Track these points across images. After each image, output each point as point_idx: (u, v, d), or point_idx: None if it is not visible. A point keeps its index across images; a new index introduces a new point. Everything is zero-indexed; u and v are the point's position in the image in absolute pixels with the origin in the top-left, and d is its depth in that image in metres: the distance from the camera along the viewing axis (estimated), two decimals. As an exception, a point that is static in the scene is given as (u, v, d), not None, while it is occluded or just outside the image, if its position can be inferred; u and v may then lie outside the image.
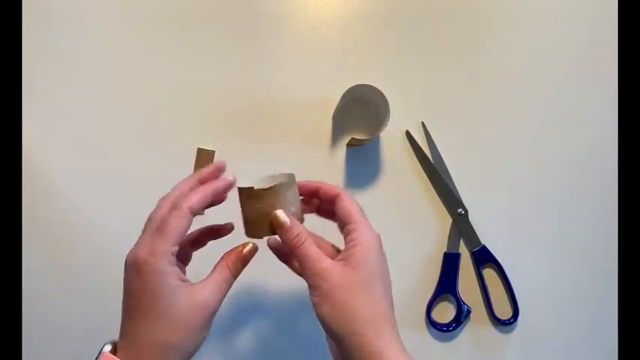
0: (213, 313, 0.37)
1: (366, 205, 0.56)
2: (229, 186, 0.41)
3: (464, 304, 0.54)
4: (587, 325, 0.56)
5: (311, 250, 0.37)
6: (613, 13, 0.58)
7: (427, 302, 0.55)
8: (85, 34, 0.57)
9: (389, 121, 0.50)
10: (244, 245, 0.40)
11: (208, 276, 0.38)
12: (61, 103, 0.56)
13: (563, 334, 0.55)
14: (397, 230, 0.55)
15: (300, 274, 0.41)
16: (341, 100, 0.52)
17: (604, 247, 0.56)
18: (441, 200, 0.56)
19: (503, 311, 0.55)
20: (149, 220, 0.38)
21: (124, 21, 0.57)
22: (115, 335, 0.37)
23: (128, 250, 0.55)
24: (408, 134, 0.56)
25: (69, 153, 0.55)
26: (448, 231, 0.55)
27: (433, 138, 0.56)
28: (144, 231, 0.38)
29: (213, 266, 0.39)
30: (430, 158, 0.56)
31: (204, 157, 0.55)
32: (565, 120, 0.58)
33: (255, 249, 0.40)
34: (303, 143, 0.56)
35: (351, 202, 0.41)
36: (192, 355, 0.37)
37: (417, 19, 0.58)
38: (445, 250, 0.55)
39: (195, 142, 0.55)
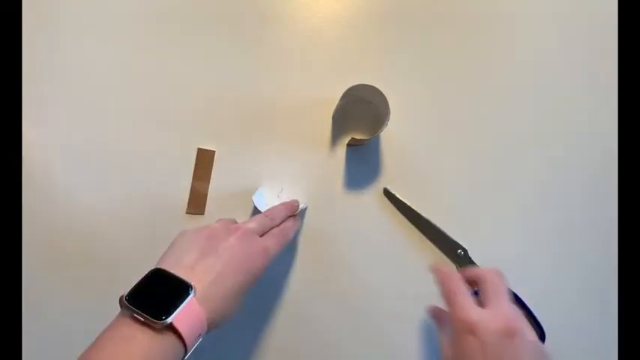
0: None
1: (366, 205, 0.56)
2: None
3: None
4: (591, 327, 0.56)
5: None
6: (613, 14, 0.58)
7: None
8: (85, 33, 0.57)
9: (389, 121, 0.50)
10: None
11: None
12: (61, 103, 0.56)
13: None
14: (397, 232, 0.55)
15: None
16: (341, 100, 0.52)
17: (605, 252, 0.56)
18: (439, 248, 0.55)
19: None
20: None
21: (124, 21, 0.57)
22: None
23: (127, 250, 0.55)
24: (386, 191, 0.55)
25: (69, 153, 0.55)
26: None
27: (432, 141, 0.56)
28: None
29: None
30: (416, 210, 0.55)
31: (204, 157, 0.55)
32: (565, 133, 0.58)
33: None
34: (303, 143, 0.56)
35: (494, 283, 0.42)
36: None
37: (417, 19, 0.58)
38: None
39: (195, 142, 0.55)
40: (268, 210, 0.49)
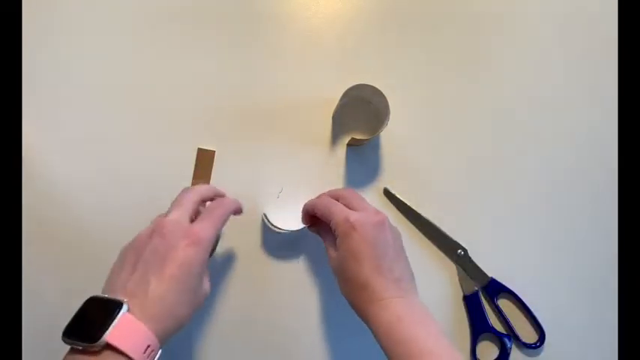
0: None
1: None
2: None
3: (504, 335, 0.54)
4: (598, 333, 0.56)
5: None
6: (613, 14, 0.58)
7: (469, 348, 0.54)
8: (85, 33, 0.56)
9: (389, 121, 0.50)
10: None
11: None
12: (61, 103, 0.55)
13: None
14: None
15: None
16: (341, 100, 0.52)
17: (605, 252, 0.56)
18: (439, 248, 0.56)
19: (529, 336, 0.54)
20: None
21: (124, 21, 0.57)
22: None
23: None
24: (386, 191, 0.56)
25: (69, 153, 0.55)
26: (455, 273, 0.55)
27: (432, 141, 0.56)
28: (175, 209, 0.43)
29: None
30: (416, 210, 0.56)
31: (204, 157, 0.55)
32: (564, 138, 0.58)
33: None
34: (303, 143, 0.56)
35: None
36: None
37: (417, 20, 0.58)
38: (461, 293, 0.55)
39: (195, 142, 0.55)
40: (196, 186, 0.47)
